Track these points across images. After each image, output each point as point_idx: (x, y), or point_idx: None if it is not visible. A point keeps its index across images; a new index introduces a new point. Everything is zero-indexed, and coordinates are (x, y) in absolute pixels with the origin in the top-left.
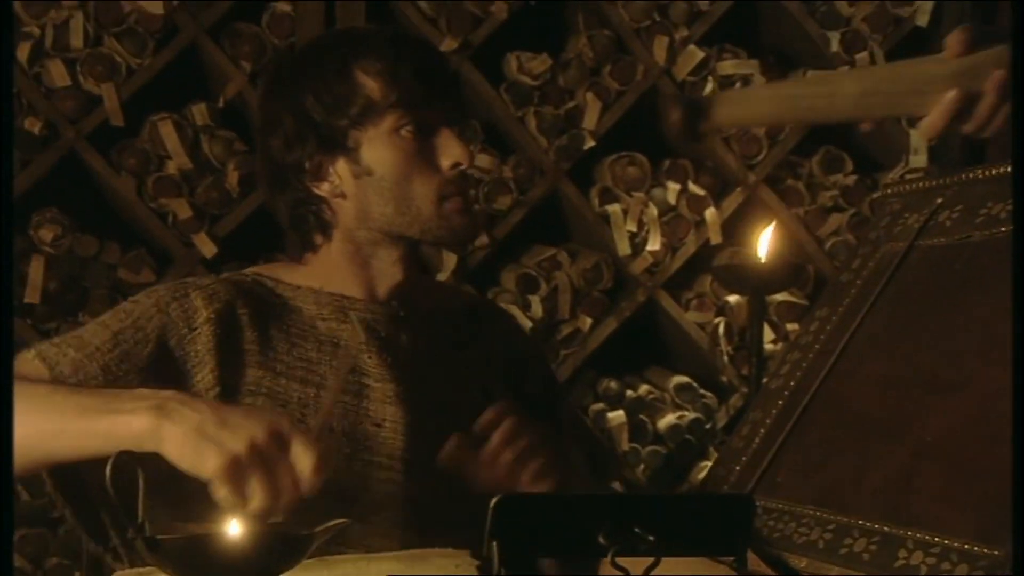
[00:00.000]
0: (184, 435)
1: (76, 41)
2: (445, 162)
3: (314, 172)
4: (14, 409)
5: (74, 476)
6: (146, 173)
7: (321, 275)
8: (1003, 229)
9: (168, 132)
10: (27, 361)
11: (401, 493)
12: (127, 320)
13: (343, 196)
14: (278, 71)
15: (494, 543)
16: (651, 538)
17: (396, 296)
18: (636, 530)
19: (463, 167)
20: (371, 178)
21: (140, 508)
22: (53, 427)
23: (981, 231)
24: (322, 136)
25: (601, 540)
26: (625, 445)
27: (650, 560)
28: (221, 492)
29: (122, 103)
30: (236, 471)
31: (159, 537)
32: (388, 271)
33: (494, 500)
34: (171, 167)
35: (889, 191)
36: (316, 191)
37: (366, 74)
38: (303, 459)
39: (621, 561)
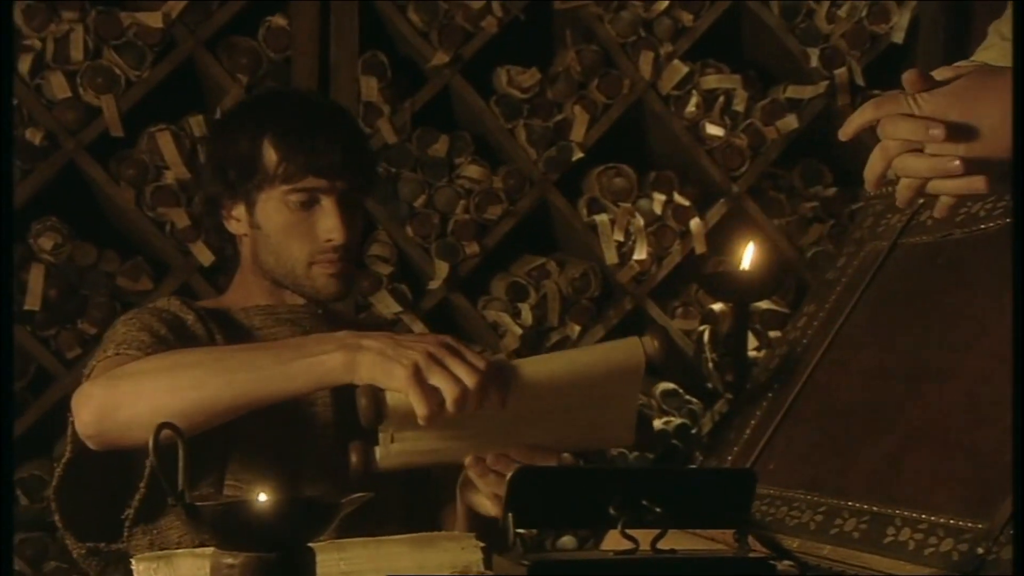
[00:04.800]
0: (372, 361)
1: (76, 54)
2: (321, 235)
3: (227, 209)
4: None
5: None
6: (144, 183)
7: (243, 297)
8: (982, 226)
9: (166, 143)
10: (110, 358)
11: (333, 458)
12: (137, 325)
13: (246, 235)
14: (226, 116)
15: (509, 514)
16: (658, 510)
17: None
18: (644, 503)
19: (334, 243)
20: (259, 231)
21: (180, 478)
22: (258, 375)
23: (961, 229)
24: (229, 184)
25: (612, 512)
26: (613, 451)
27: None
28: (413, 397)
29: (121, 114)
30: (419, 376)
31: (198, 504)
32: (292, 297)
33: (510, 473)
34: (169, 177)
35: (872, 193)
36: (226, 225)
37: (270, 145)
38: (475, 360)
39: (630, 532)
